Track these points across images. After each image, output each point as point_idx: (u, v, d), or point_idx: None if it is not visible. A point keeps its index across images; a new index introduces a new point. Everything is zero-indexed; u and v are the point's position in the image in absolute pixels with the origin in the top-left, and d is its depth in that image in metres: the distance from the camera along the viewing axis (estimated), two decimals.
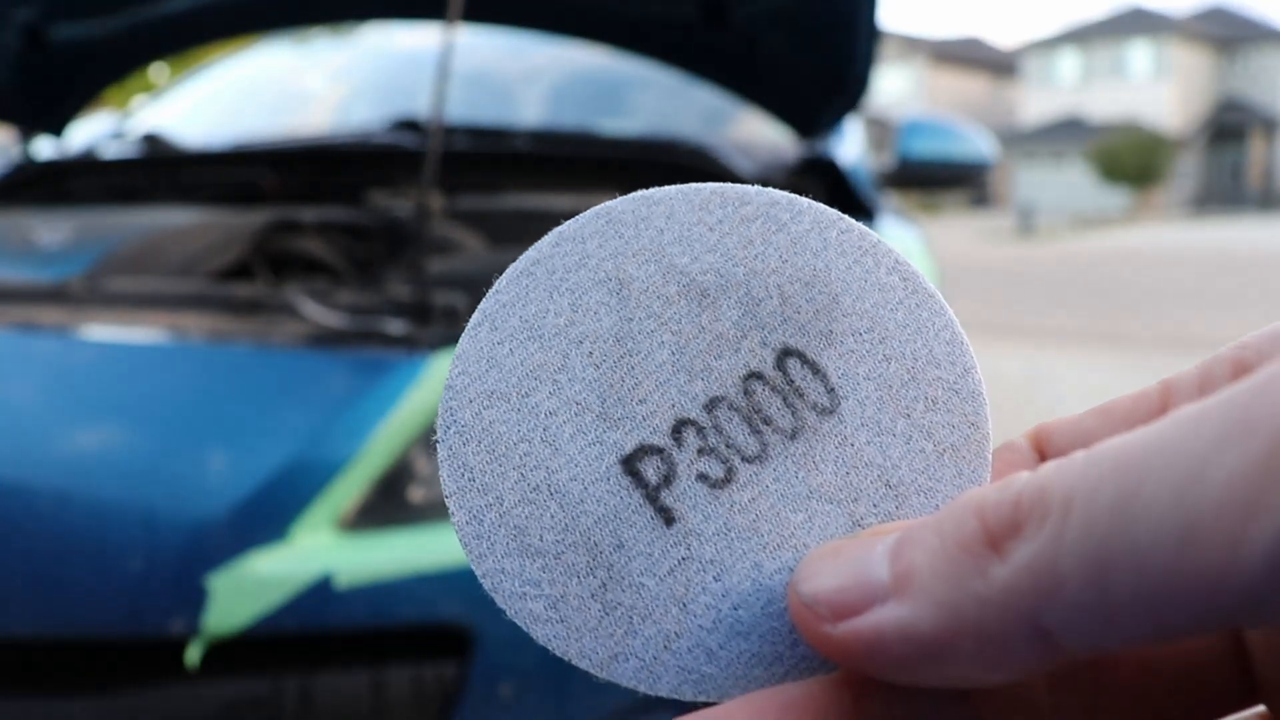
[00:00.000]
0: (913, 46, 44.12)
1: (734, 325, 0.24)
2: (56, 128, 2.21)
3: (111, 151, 2.00)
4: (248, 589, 0.96)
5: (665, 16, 1.84)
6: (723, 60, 1.89)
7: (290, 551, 0.98)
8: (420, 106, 2.21)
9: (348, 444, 1.02)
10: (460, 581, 0.99)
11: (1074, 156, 39.94)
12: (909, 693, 0.21)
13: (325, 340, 1.14)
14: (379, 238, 1.56)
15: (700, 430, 0.23)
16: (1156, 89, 40.14)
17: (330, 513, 1.01)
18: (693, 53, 1.91)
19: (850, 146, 2.02)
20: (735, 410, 0.23)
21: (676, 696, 0.23)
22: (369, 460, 1.02)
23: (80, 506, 0.98)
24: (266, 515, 0.98)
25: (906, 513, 0.23)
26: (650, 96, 2.43)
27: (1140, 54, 40.76)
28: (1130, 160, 34.87)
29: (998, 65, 47.61)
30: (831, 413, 0.23)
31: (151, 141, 2.01)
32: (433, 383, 1.06)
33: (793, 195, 0.25)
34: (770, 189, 0.24)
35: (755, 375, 0.24)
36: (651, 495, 0.23)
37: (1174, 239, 20.69)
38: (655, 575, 0.23)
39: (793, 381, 0.23)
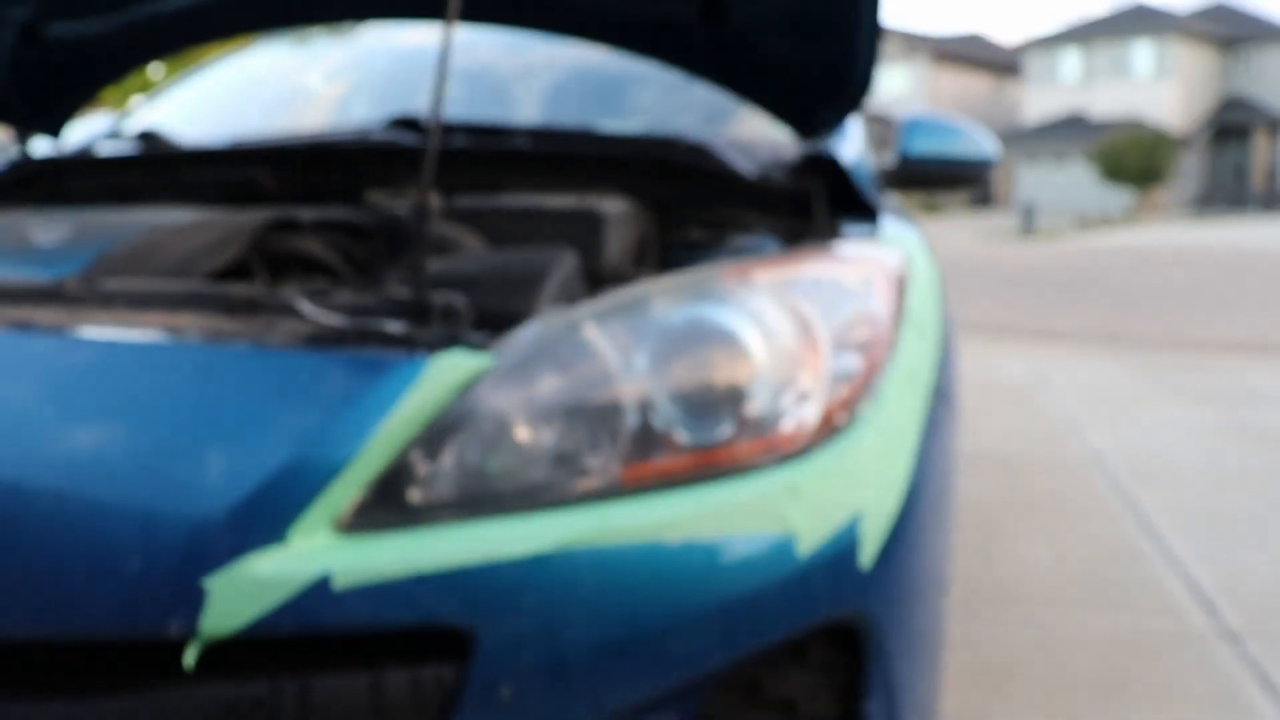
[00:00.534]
0: (914, 44, 44.09)
1: None
2: (54, 128, 2.20)
3: (108, 150, 1.99)
4: (245, 590, 0.95)
5: (665, 16, 1.84)
6: (723, 59, 1.88)
7: (288, 553, 0.97)
8: (419, 105, 2.20)
9: (346, 445, 1.01)
10: (460, 583, 0.98)
11: (1076, 155, 39.88)
12: None
13: (323, 340, 1.13)
14: (378, 237, 1.55)
15: None
16: (1159, 88, 40.08)
17: (328, 514, 1.00)
18: (693, 51, 1.90)
19: (852, 145, 2.02)
20: None
21: None
22: (367, 461, 1.01)
23: (76, 507, 0.98)
24: (264, 516, 0.98)
25: None
26: (650, 95, 2.43)
27: (1143, 52, 40.70)
28: (1133, 159, 34.79)
29: (1000, 63, 47.57)
30: None
31: (148, 140, 2.01)
32: (431, 383, 1.06)
33: None
34: None
35: None
36: None
37: (1176, 239, 20.67)
38: None
39: None
